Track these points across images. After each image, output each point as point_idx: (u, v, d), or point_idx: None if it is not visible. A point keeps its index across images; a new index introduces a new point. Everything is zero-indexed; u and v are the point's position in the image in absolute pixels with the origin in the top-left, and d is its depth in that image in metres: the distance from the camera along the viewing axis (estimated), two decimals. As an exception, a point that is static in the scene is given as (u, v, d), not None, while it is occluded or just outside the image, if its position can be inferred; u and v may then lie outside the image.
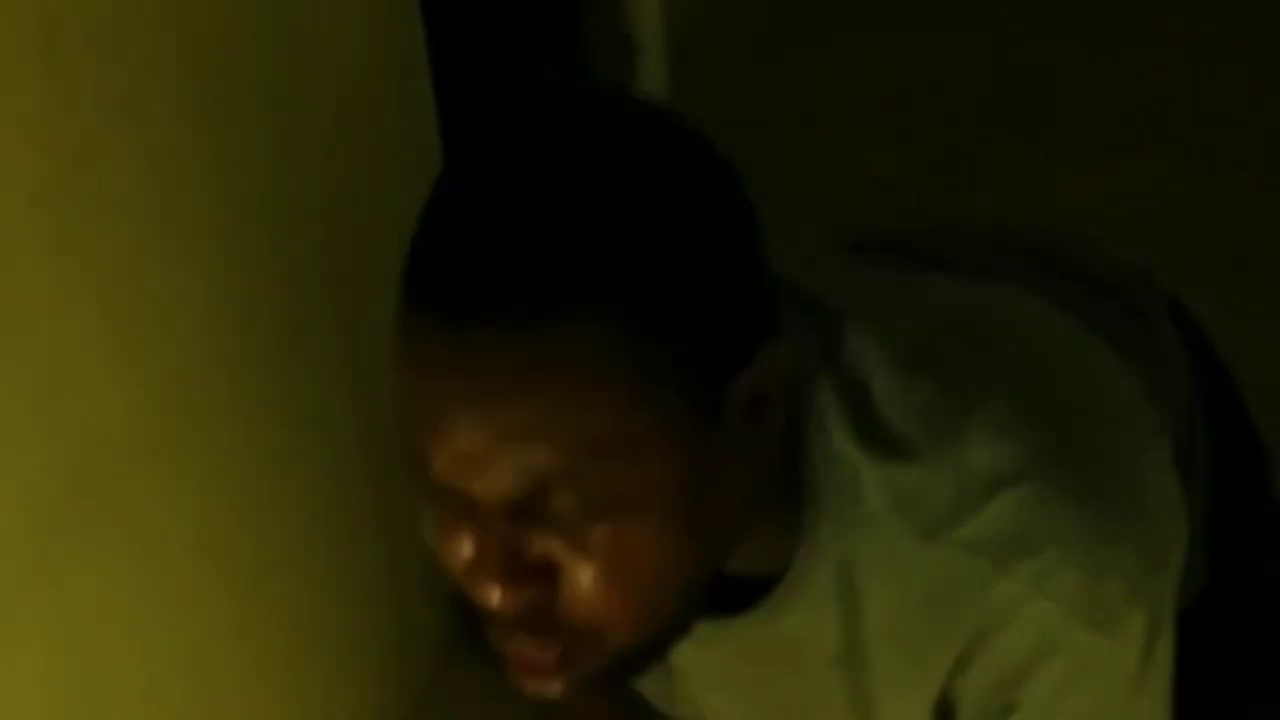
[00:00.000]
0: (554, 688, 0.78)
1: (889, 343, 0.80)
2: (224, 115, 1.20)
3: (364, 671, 1.60)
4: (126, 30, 1.06)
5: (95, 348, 1.08)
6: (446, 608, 1.76)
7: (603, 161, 0.70)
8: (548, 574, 0.73)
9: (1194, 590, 0.97)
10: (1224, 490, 1.03)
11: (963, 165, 2.32)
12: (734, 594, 0.84)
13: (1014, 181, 2.29)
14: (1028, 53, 2.59)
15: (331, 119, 1.38)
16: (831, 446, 0.79)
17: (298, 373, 1.40)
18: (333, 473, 1.48)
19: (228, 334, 1.25)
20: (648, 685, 1.02)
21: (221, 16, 1.18)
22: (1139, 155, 2.35)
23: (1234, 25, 2.61)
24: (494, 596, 0.72)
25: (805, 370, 0.78)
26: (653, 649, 0.80)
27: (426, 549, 0.95)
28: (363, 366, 1.52)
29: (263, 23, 1.25)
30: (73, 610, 1.11)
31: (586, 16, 2.30)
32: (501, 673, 0.78)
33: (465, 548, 0.73)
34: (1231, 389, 1.10)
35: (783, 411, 0.74)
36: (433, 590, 1.73)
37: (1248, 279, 2.10)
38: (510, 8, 2.07)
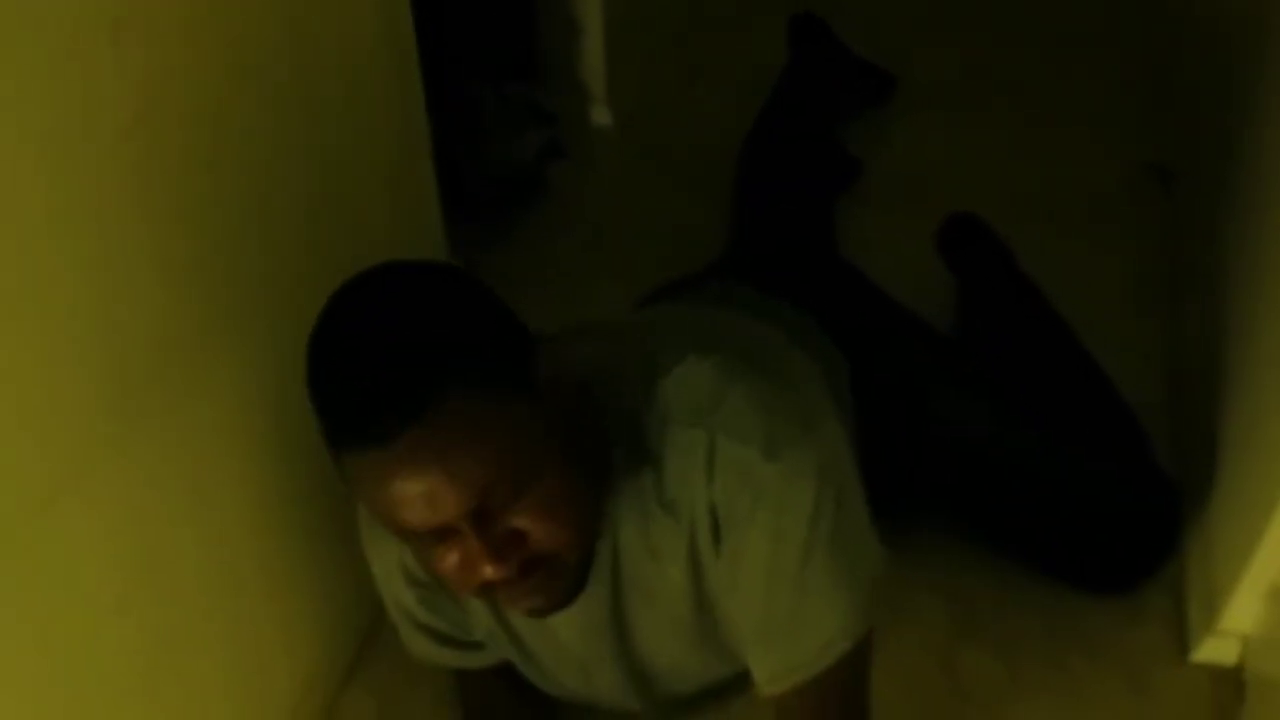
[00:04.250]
0: (544, 598, 1.10)
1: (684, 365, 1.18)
2: (253, 86, 1.26)
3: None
4: (180, 15, 1.11)
5: (151, 269, 1.13)
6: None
7: (423, 309, 0.99)
8: (517, 538, 1.04)
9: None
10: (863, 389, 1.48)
11: (864, 127, 2.48)
12: None
13: (891, 139, 2.47)
14: (897, 34, 2.73)
15: (334, 78, 1.44)
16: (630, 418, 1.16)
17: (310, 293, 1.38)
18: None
19: (259, 261, 1.32)
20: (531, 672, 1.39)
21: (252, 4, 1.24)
22: (984, 111, 2.57)
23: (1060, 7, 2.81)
24: (491, 571, 1.03)
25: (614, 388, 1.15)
26: (589, 555, 1.15)
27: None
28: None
29: (281, 7, 1.30)
30: (134, 485, 1.18)
31: (534, 1, 2.40)
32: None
33: (456, 556, 1.03)
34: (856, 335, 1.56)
35: (557, 387, 1.06)
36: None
37: (1077, 213, 2.30)
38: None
